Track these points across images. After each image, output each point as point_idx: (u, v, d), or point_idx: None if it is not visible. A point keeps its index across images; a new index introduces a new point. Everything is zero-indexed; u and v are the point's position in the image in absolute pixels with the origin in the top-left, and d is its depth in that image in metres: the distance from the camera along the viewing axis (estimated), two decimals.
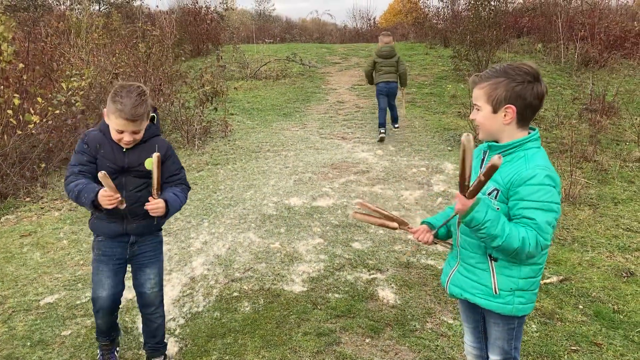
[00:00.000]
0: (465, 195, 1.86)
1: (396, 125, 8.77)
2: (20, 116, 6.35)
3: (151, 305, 2.87)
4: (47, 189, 6.43)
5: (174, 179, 2.74)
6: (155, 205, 2.50)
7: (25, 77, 6.87)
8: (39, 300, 3.83)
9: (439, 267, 4.20)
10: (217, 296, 3.84)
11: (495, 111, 1.97)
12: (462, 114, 9.41)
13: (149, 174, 2.58)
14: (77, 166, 2.56)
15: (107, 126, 2.58)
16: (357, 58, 16.11)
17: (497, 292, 2.03)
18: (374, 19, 28.70)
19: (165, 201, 2.54)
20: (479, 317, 2.27)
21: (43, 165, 6.61)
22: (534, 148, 2.00)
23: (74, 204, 5.82)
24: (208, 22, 16.37)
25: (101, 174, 2.29)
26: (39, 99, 6.51)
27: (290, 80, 13.32)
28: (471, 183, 1.85)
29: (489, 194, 1.99)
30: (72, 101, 7.06)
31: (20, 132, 6.28)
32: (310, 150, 7.76)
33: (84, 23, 10.74)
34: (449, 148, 7.71)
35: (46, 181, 6.57)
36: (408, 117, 9.65)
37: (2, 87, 6.46)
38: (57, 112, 6.70)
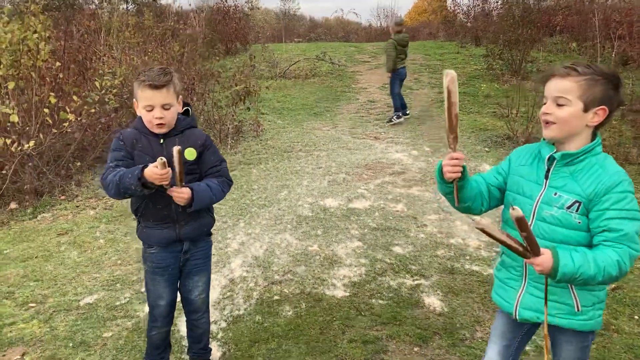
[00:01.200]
0: (531, 256, 1.74)
1: (408, 112, 9.57)
2: (56, 115, 6.36)
3: (198, 311, 2.81)
4: (82, 187, 6.44)
5: (213, 171, 2.62)
6: (179, 191, 2.37)
7: (61, 76, 6.90)
8: (79, 300, 3.81)
9: (485, 274, 4.06)
10: (257, 299, 3.76)
11: (586, 110, 1.82)
12: (497, 114, 9.19)
13: (191, 167, 2.51)
14: (114, 162, 2.47)
15: (141, 122, 2.51)
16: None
17: (580, 309, 1.89)
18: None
19: (192, 189, 2.42)
20: (518, 334, 2.13)
21: (78, 163, 6.62)
22: (600, 153, 1.88)
23: (110, 201, 5.84)
24: (237, 20, 16.35)
25: (160, 160, 2.21)
26: (74, 98, 6.52)
27: (319, 80, 13.23)
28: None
29: (569, 207, 1.83)
30: (106, 99, 7.08)
31: (56, 131, 6.30)
32: (343, 150, 7.65)
33: (115, 22, 10.80)
34: (487, 149, 7.53)
35: (80, 179, 6.59)
36: (443, 118, 9.48)
37: (38, 85, 6.49)
38: (93, 110, 6.70)
